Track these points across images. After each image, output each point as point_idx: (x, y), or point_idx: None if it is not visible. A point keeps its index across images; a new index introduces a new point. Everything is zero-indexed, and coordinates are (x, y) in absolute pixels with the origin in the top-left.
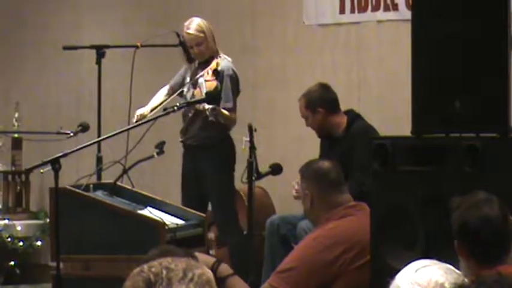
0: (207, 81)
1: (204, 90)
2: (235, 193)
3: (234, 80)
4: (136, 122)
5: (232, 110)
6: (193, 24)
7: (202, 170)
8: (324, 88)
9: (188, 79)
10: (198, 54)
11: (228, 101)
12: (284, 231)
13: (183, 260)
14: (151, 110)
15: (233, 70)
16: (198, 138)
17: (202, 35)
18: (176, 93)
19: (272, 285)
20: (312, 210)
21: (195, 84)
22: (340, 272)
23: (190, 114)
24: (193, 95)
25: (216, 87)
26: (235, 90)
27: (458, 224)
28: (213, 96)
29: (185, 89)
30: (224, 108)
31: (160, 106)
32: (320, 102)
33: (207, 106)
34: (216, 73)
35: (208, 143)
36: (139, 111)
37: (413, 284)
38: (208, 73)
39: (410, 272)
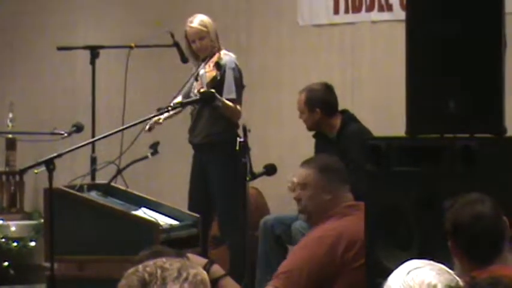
0: (207, 72)
1: (205, 81)
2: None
3: (237, 73)
4: (149, 128)
5: (235, 101)
6: (197, 19)
7: (207, 169)
8: (327, 89)
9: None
10: (200, 48)
11: (231, 92)
12: (278, 231)
13: (177, 260)
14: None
15: (236, 64)
16: (205, 134)
17: (205, 29)
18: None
19: (276, 287)
20: (320, 204)
21: (196, 77)
22: (342, 271)
23: (194, 112)
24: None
25: (215, 77)
26: (239, 84)
27: (451, 222)
28: (208, 95)
29: (191, 88)
30: (228, 99)
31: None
32: (320, 103)
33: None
34: (218, 66)
35: (215, 141)
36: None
37: (405, 286)
38: (209, 66)
39: (402, 273)
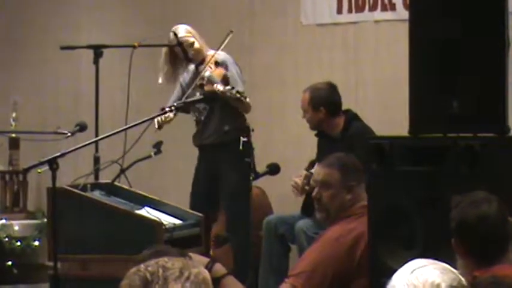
0: (213, 72)
1: (216, 80)
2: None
3: (238, 68)
4: (159, 127)
5: (244, 94)
6: (180, 29)
7: (218, 169)
8: (331, 89)
9: (189, 88)
10: (195, 54)
11: (238, 86)
12: (282, 231)
13: (179, 259)
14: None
15: (233, 59)
16: (217, 134)
17: (190, 34)
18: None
19: (294, 286)
20: (341, 203)
21: (201, 85)
22: (359, 272)
23: (203, 118)
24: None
25: (225, 75)
26: (242, 78)
27: (456, 221)
28: (211, 96)
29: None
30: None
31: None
32: (324, 102)
33: (222, 88)
34: (218, 64)
35: (227, 140)
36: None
37: (409, 285)
38: (211, 67)
39: (406, 272)
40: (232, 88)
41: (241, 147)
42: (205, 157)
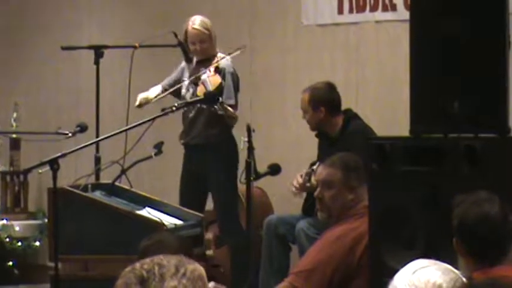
0: (210, 77)
1: (209, 87)
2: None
3: (235, 77)
4: (139, 105)
5: (234, 107)
6: (199, 21)
7: (205, 170)
8: (330, 88)
9: (186, 79)
10: (200, 51)
11: (231, 98)
12: (282, 231)
13: (174, 256)
14: (155, 96)
15: (233, 68)
16: (203, 136)
17: (207, 32)
18: (168, 92)
19: (294, 285)
20: (343, 203)
21: (196, 82)
22: (359, 272)
23: (191, 115)
24: (194, 94)
25: (220, 84)
26: (236, 88)
27: (458, 220)
28: (212, 96)
29: (184, 90)
30: (227, 105)
31: (158, 98)
32: (323, 102)
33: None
34: (218, 71)
35: (213, 142)
36: (142, 95)
37: (410, 285)
38: (210, 70)
39: (407, 273)
40: (223, 102)
41: (241, 147)
42: (191, 157)
